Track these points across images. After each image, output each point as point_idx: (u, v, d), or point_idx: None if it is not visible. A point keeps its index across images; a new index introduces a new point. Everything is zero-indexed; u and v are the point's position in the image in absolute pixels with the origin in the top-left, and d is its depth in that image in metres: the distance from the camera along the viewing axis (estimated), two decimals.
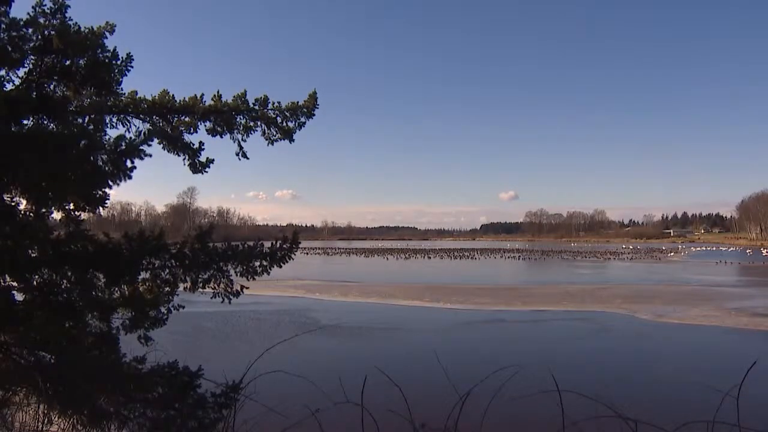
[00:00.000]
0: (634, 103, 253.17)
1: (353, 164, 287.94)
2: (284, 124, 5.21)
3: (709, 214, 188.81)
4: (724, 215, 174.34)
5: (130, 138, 4.57)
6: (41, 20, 4.22)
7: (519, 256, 71.98)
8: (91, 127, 4.65)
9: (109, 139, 4.60)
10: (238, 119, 5.13)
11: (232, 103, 5.06)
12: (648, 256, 72.16)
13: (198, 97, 5.00)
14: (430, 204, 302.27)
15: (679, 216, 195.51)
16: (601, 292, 28.56)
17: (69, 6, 4.29)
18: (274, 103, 5.14)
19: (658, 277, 40.52)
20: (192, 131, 5.11)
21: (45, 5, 4.20)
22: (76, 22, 4.38)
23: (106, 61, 4.61)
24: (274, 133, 5.23)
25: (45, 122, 4.47)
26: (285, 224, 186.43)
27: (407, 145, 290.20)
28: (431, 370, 10.28)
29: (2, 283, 4.19)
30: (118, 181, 4.53)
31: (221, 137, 5.15)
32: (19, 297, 4.29)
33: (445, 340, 16.61)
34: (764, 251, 77.64)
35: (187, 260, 4.51)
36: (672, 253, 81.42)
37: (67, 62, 4.48)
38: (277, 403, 3.55)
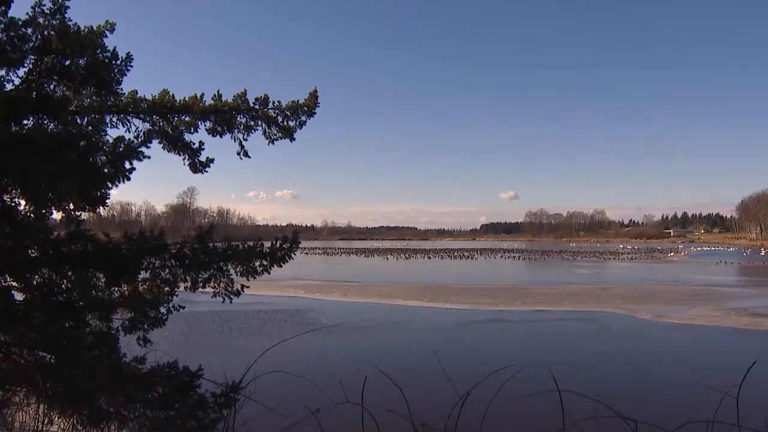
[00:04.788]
0: (635, 103, 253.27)
1: (353, 164, 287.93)
2: (285, 122, 5.21)
3: (709, 214, 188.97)
4: (724, 215, 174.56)
5: (129, 140, 4.57)
6: (40, 20, 4.21)
7: (519, 256, 71.98)
8: (91, 127, 4.66)
9: (108, 139, 4.60)
10: (238, 118, 5.13)
11: (233, 102, 5.06)
12: (648, 256, 72.16)
13: (198, 97, 5.00)
14: (430, 204, 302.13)
15: (679, 216, 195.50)
16: (601, 292, 28.57)
17: (68, 6, 4.29)
18: (274, 102, 5.14)
19: (658, 277, 40.52)
20: (192, 131, 5.11)
21: (44, 5, 4.20)
22: (76, 22, 4.38)
23: (106, 60, 4.61)
24: (275, 132, 5.23)
25: (45, 122, 4.47)
26: (285, 224, 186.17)
27: (407, 145, 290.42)
28: (431, 370, 10.28)
29: (2, 283, 4.19)
30: (117, 183, 4.53)
31: (221, 137, 5.15)
32: (19, 297, 4.29)
33: (445, 340, 16.61)
34: (762, 251, 77.69)
35: (187, 260, 4.51)
36: (672, 253, 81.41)
37: (67, 62, 4.47)
38: (277, 403, 3.54)
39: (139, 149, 4.52)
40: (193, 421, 4.37)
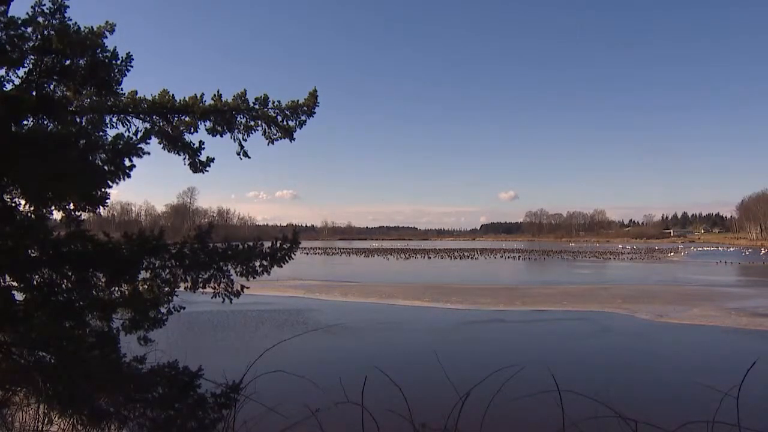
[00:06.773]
0: (634, 103, 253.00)
1: (353, 164, 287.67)
2: (285, 122, 5.21)
3: (709, 214, 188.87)
4: (724, 215, 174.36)
5: (129, 136, 4.57)
6: (40, 20, 4.22)
7: (519, 256, 71.95)
8: (91, 127, 4.66)
9: (108, 138, 4.61)
10: (238, 118, 5.13)
11: (233, 102, 5.06)
12: (648, 256, 72.12)
13: (198, 97, 5.00)
14: (430, 204, 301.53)
15: (679, 216, 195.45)
16: (601, 292, 28.56)
17: (68, 6, 4.29)
18: (274, 102, 5.15)
19: (658, 277, 40.51)
20: (192, 131, 5.11)
21: (44, 5, 4.20)
22: (76, 22, 4.39)
23: (106, 61, 4.61)
24: (275, 132, 5.23)
25: (45, 122, 4.47)
26: (285, 224, 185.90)
27: (407, 145, 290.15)
28: (431, 370, 10.27)
29: (2, 283, 4.19)
30: (117, 180, 4.53)
31: (221, 137, 5.16)
32: (19, 297, 4.29)
33: (445, 340, 16.60)
34: (762, 251, 77.73)
35: (187, 260, 4.51)
36: (672, 253, 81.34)
37: (67, 62, 4.48)
38: (277, 403, 3.54)
39: (139, 146, 4.51)
40: (193, 421, 4.36)
